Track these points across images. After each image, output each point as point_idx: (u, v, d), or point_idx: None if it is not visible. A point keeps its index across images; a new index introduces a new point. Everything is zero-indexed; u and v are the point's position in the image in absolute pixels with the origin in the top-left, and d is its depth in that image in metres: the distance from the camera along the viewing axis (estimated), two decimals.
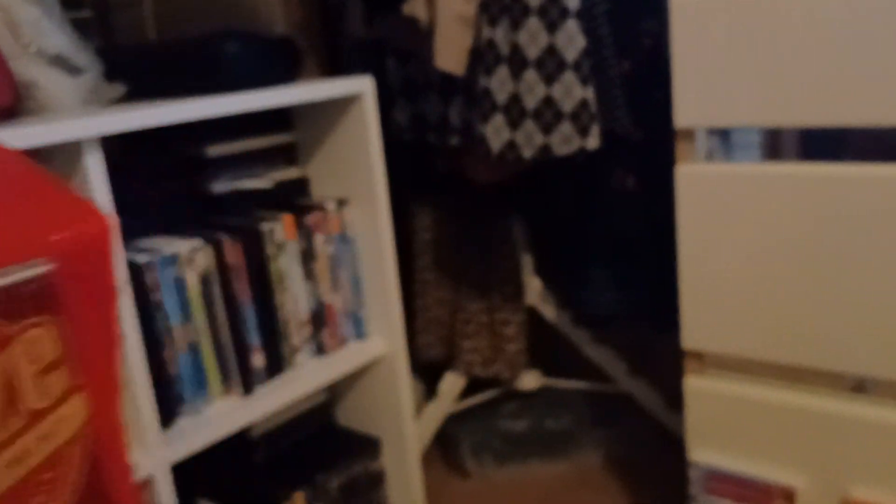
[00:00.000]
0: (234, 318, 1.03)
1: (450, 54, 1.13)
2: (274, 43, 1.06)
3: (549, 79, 1.08)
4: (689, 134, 1.03)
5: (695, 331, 1.08)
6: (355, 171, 1.15)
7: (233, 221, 1.07)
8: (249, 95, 0.97)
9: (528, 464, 1.51)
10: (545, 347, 1.65)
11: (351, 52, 1.40)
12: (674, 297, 1.11)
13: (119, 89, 1.00)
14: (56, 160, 0.86)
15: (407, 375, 1.22)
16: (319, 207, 1.13)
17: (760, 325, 1.03)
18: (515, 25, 1.08)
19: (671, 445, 1.50)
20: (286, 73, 1.07)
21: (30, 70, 0.94)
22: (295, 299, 1.11)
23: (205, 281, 1.00)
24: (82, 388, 0.60)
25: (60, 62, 0.96)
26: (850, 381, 1.02)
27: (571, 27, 1.06)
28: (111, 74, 1.01)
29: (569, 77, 1.08)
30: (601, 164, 1.29)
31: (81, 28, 1.04)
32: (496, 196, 1.47)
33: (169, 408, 0.97)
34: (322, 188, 1.20)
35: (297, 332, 1.12)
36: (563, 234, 1.46)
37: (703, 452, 1.12)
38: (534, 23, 1.07)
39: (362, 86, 1.09)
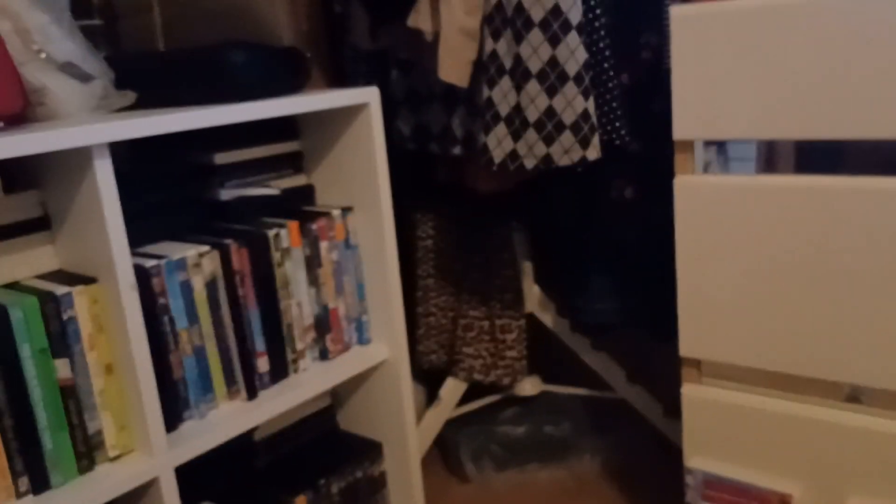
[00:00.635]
0: (239, 322, 1.04)
1: (453, 66, 1.15)
2: (281, 53, 1.07)
3: (551, 90, 1.10)
4: (688, 146, 1.05)
5: (692, 339, 1.10)
6: (360, 179, 1.17)
7: (239, 228, 1.09)
8: (257, 104, 0.99)
9: (526, 469, 1.52)
10: (544, 354, 1.66)
11: (355, 63, 1.42)
12: (671, 307, 1.12)
13: (128, 97, 1.01)
14: (66, 165, 0.88)
15: (409, 380, 1.23)
16: (324, 215, 1.15)
17: (757, 335, 1.04)
18: (518, 38, 1.10)
19: (668, 453, 1.52)
20: (293, 82, 1.09)
21: (40, 76, 0.96)
22: (299, 305, 1.12)
23: (211, 286, 1.01)
24: None
25: (70, 69, 0.98)
26: (845, 390, 1.03)
27: (573, 40, 1.08)
28: (120, 82, 1.03)
29: (570, 89, 1.09)
30: (600, 175, 1.30)
31: (90, 36, 1.05)
32: (497, 205, 1.49)
33: (174, 411, 0.99)
34: (327, 196, 1.22)
35: (301, 337, 1.13)
36: (563, 243, 1.48)
37: (700, 459, 1.14)
38: (536, 36, 1.09)
39: (368, 96, 1.11)
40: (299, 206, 1.20)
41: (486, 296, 1.53)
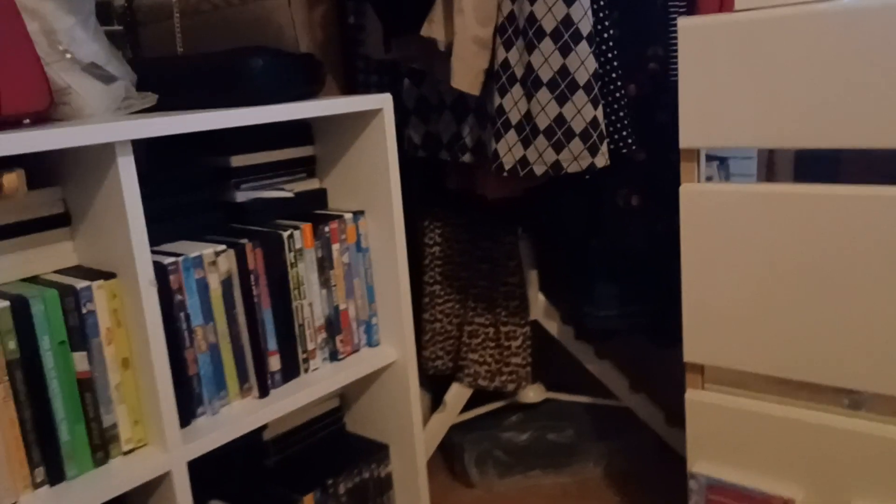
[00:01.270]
0: (252, 321, 1.06)
1: (466, 75, 1.17)
2: (298, 59, 1.10)
3: (562, 99, 1.13)
4: (693, 154, 1.07)
5: (696, 345, 1.12)
6: (372, 184, 1.19)
7: (255, 228, 1.11)
8: (274, 108, 1.01)
9: (530, 475, 1.53)
10: (548, 361, 1.68)
11: (366, 73, 1.45)
12: (674, 314, 1.14)
13: (149, 98, 1.04)
14: (89, 162, 0.90)
15: (416, 383, 1.25)
16: (337, 218, 1.17)
17: (760, 341, 1.06)
18: (530, 48, 1.13)
19: (670, 459, 1.53)
20: (309, 88, 1.11)
21: (64, 76, 0.98)
22: (311, 305, 1.14)
23: (226, 284, 1.03)
24: None
25: (94, 70, 1.00)
26: (847, 396, 1.05)
27: (583, 50, 1.11)
28: (141, 84, 1.05)
29: (580, 97, 1.12)
30: (607, 183, 1.33)
31: (112, 41, 1.08)
32: (504, 212, 1.51)
33: (188, 407, 1.00)
34: (339, 200, 1.24)
35: (312, 337, 1.15)
36: (568, 251, 1.50)
37: (704, 464, 1.15)
38: (547, 45, 1.12)
39: (382, 102, 1.14)
40: (312, 209, 1.23)
41: (491, 303, 1.55)
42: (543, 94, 1.13)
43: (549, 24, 1.11)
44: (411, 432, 1.26)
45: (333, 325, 1.18)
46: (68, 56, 0.97)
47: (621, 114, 1.21)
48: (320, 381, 1.13)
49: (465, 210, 1.53)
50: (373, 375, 1.27)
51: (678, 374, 1.16)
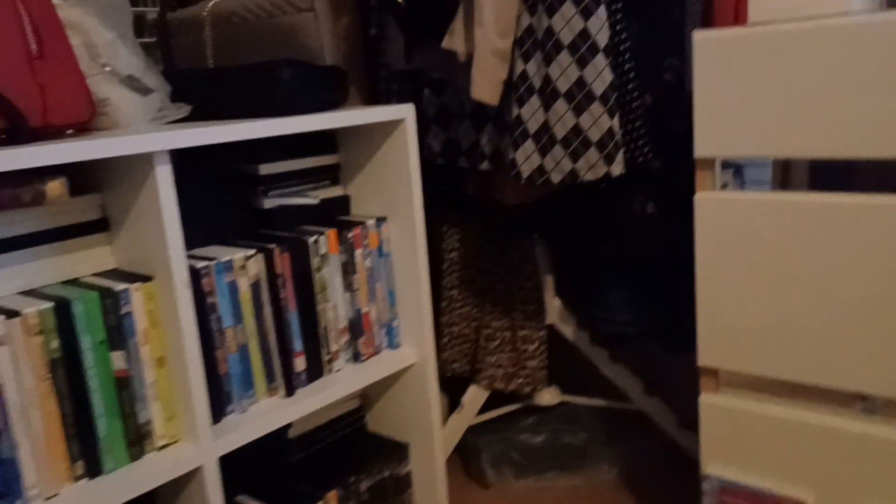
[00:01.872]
0: (279, 322, 1.10)
1: (485, 86, 1.21)
2: (324, 71, 1.14)
3: (578, 109, 1.16)
4: (708, 163, 1.10)
5: (710, 349, 1.14)
6: (394, 191, 1.23)
7: (281, 234, 1.15)
8: (303, 118, 1.05)
9: (545, 476, 1.56)
10: (564, 365, 1.71)
11: (388, 83, 1.49)
12: (687, 321, 1.17)
13: (183, 109, 1.08)
14: (128, 171, 0.95)
15: (435, 384, 1.28)
16: (360, 224, 1.21)
17: (773, 345, 1.08)
18: (548, 60, 1.17)
19: (683, 463, 1.56)
20: (334, 98, 1.15)
21: (104, 88, 1.03)
22: (335, 308, 1.18)
23: (255, 287, 1.08)
24: None
25: (131, 82, 1.05)
26: (860, 401, 1.07)
27: (600, 62, 1.15)
28: (175, 96, 1.10)
29: (597, 108, 1.16)
30: (623, 191, 1.36)
31: (145, 53, 1.13)
32: (520, 219, 1.55)
33: (218, 404, 1.04)
34: (362, 206, 1.28)
35: (335, 339, 1.19)
36: (584, 256, 1.53)
37: (717, 466, 1.17)
38: (565, 57, 1.15)
39: (405, 112, 1.18)
40: (336, 215, 1.27)
41: (508, 307, 1.59)
42: (561, 105, 1.17)
43: (566, 37, 1.15)
44: (431, 432, 1.29)
45: (356, 327, 1.22)
46: (108, 69, 1.01)
47: (637, 123, 1.24)
48: (343, 381, 1.17)
49: (482, 216, 1.57)
50: (393, 377, 1.31)
51: (691, 378, 1.19)
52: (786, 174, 1.52)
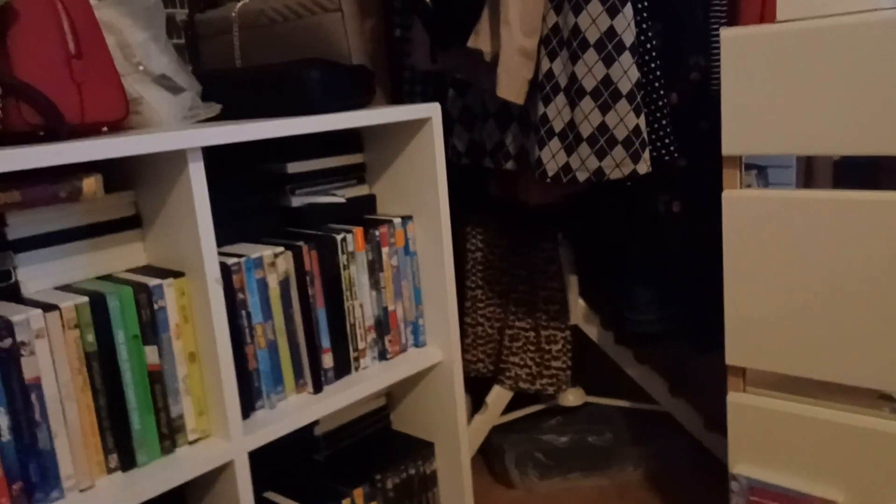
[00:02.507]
0: (308, 319, 1.11)
1: (511, 85, 1.22)
2: (351, 71, 1.15)
3: (604, 107, 1.16)
4: (735, 161, 1.10)
5: (738, 348, 1.14)
6: (420, 190, 1.24)
7: (309, 232, 1.17)
8: (331, 117, 1.07)
9: (569, 477, 1.56)
10: (588, 365, 1.71)
11: (412, 83, 1.50)
12: (714, 319, 1.17)
13: (213, 108, 1.10)
14: (161, 168, 0.96)
15: (461, 383, 1.29)
16: (386, 222, 1.22)
17: (801, 344, 1.08)
18: (574, 58, 1.17)
19: (708, 463, 1.55)
20: (361, 98, 1.17)
21: (137, 87, 1.05)
22: (362, 306, 1.19)
23: (284, 284, 1.09)
24: None
25: (164, 81, 1.07)
26: (887, 402, 1.06)
27: (626, 60, 1.15)
28: (206, 95, 1.12)
29: (623, 106, 1.16)
30: (648, 189, 1.36)
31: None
32: (544, 219, 1.55)
33: (248, 400, 1.06)
34: (388, 205, 1.29)
35: (362, 336, 1.20)
36: (608, 256, 1.53)
37: (745, 466, 1.17)
38: (591, 56, 1.16)
39: (431, 111, 1.19)
40: (362, 214, 1.28)
41: (532, 307, 1.59)
42: (587, 103, 1.17)
43: (592, 36, 1.15)
44: (456, 431, 1.30)
45: (382, 325, 1.23)
46: (141, 68, 1.03)
47: (663, 122, 1.24)
48: (370, 378, 1.18)
49: (506, 216, 1.57)
50: (419, 375, 1.31)
51: (717, 378, 1.18)
52: (809, 174, 1.51)
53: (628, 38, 1.15)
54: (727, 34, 1.05)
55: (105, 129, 0.97)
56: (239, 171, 1.15)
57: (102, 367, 0.91)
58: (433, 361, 1.27)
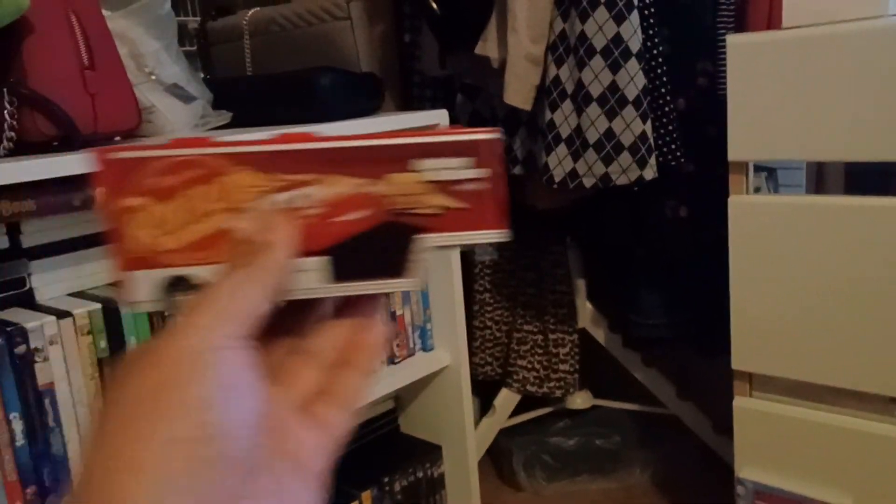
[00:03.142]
0: None
1: (518, 91, 1.22)
2: (360, 78, 1.17)
3: (611, 114, 1.17)
4: (742, 167, 1.10)
5: (744, 353, 1.14)
6: None
7: None
8: (342, 123, 1.08)
9: (577, 480, 1.57)
10: (596, 369, 1.71)
11: (421, 88, 1.51)
12: (721, 323, 1.17)
13: (224, 116, 1.11)
14: None
15: (468, 386, 1.30)
16: None
17: (807, 349, 1.08)
18: (581, 65, 1.18)
19: (716, 467, 1.55)
20: (370, 105, 1.18)
21: (149, 96, 1.06)
22: None
23: None
24: None
25: (175, 90, 1.08)
26: (893, 413, 1.06)
27: (633, 67, 1.15)
28: (217, 103, 1.13)
29: (629, 112, 1.16)
30: (655, 195, 1.36)
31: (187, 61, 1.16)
32: (552, 222, 1.56)
33: None
34: None
35: None
36: (616, 260, 1.53)
37: (751, 470, 1.17)
38: (598, 62, 1.16)
39: (439, 118, 1.20)
40: None
41: (540, 311, 1.60)
42: (593, 110, 1.18)
43: (599, 42, 1.16)
44: (463, 434, 1.31)
45: (390, 329, 1.24)
46: (153, 77, 1.05)
47: (670, 127, 1.25)
48: (378, 382, 1.19)
49: (514, 220, 1.57)
50: (427, 379, 1.32)
51: (725, 381, 1.19)
52: (821, 177, 1.51)
53: (634, 44, 1.15)
54: (733, 40, 1.06)
55: (118, 138, 0.98)
56: None
57: None
58: (441, 365, 1.28)
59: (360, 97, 1.14)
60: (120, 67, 0.95)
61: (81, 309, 0.90)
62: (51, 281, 0.95)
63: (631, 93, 1.16)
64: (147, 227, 0.31)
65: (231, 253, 0.30)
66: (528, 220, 1.56)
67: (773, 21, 1.17)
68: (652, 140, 1.18)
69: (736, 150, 1.09)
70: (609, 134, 1.18)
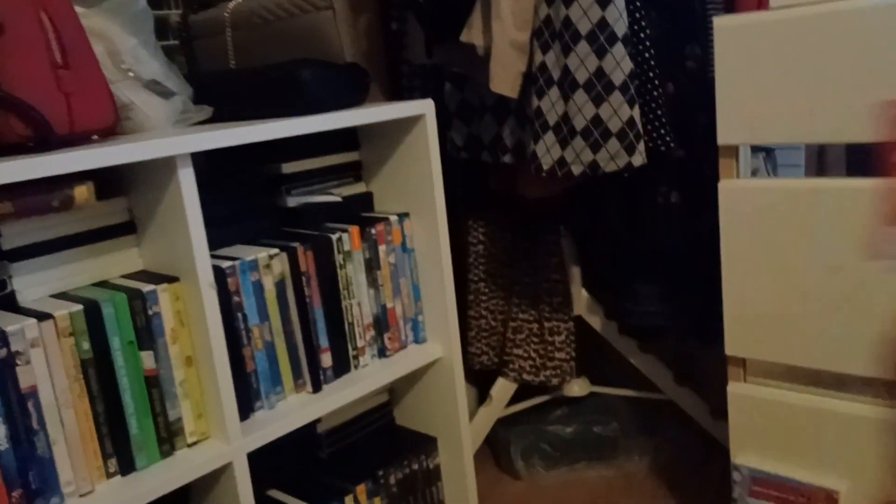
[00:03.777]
0: (305, 320, 1.12)
1: (504, 78, 1.21)
2: (344, 70, 1.15)
3: (598, 100, 1.15)
4: (732, 150, 1.09)
5: (738, 338, 1.13)
6: (416, 187, 1.24)
7: (305, 232, 1.17)
8: (324, 117, 1.06)
9: (575, 468, 1.56)
10: (592, 356, 1.70)
11: (410, 78, 1.49)
12: (716, 310, 1.16)
13: (205, 111, 1.10)
14: (152, 174, 0.97)
15: (462, 378, 1.29)
16: (383, 220, 1.22)
17: (800, 333, 1.07)
18: (566, 50, 1.16)
19: (714, 452, 1.54)
20: (355, 96, 1.16)
21: (127, 93, 1.05)
22: (360, 304, 1.19)
23: (280, 285, 1.09)
24: None
25: (154, 86, 1.07)
26: (889, 390, 1.05)
27: (619, 52, 1.14)
28: (198, 98, 1.12)
29: (616, 98, 1.15)
30: (646, 181, 1.35)
31: (168, 55, 1.15)
32: (545, 211, 1.54)
33: (247, 401, 1.06)
34: (385, 203, 1.29)
35: (361, 334, 1.20)
36: (610, 248, 1.52)
37: (747, 456, 1.17)
38: (583, 48, 1.14)
39: (424, 108, 1.18)
40: (359, 212, 1.28)
41: (535, 299, 1.59)
42: (580, 96, 1.16)
43: (584, 27, 1.14)
44: (458, 425, 1.30)
45: (381, 322, 1.23)
46: (131, 74, 1.03)
47: (659, 112, 1.23)
48: (370, 376, 1.18)
49: (507, 209, 1.57)
50: (420, 371, 1.32)
51: (722, 367, 1.18)
52: (822, 156, 1.49)
53: (620, 28, 1.13)
54: (720, 23, 1.04)
55: (95, 136, 0.97)
56: (234, 172, 1.15)
57: (99, 374, 0.92)
58: (433, 357, 1.28)
59: (343, 89, 1.13)
60: (95, 65, 0.94)
61: (62, 311, 0.89)
62: (33, 283, 0.95)
63: (618, 78, 1.15)
64: None
65: None
66: (521, 208, 1.54)
67: (762, 4, 1.15)
68: (640, 126, 1.16)
69: (725, 134, 1.07)
70: (596, 120, 1.16)
